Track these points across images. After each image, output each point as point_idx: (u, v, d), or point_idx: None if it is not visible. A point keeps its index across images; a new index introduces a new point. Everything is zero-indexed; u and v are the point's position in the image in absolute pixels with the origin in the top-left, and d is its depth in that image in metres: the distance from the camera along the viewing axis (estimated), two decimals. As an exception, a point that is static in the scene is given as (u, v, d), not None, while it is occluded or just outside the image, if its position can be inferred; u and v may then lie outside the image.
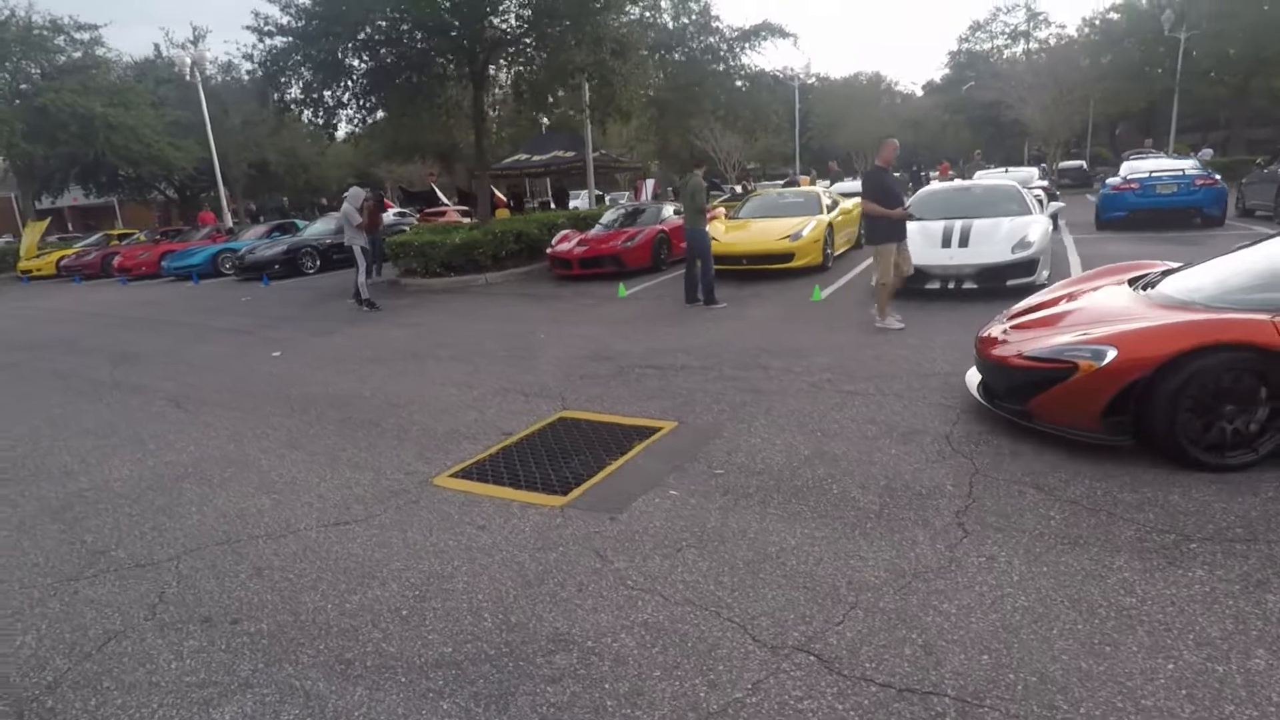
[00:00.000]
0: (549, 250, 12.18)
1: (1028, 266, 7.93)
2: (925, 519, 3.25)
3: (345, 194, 11.00)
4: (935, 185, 11.89)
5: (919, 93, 57.42)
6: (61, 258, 21.24)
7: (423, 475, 4.23)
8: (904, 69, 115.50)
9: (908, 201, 8.37)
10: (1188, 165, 13.75)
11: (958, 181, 14.19)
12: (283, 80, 12.21)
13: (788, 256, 10.01)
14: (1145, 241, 11.53)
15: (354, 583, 3.04)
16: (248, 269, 15.47)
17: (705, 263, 8.84)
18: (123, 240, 22.22)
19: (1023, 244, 7.97)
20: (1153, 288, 4.31)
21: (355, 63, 12.36)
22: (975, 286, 7.94)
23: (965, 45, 51.27)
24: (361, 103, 12.72)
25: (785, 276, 10.29)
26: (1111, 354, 3.47)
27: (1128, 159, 28.60)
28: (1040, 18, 47.47)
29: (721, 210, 13.84)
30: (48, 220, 26.37)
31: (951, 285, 8.04)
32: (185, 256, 17.26)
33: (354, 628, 2.71)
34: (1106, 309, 4.17)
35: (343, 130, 14.46)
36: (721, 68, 19.46)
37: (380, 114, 12.81)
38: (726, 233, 10.68)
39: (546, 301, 10.24)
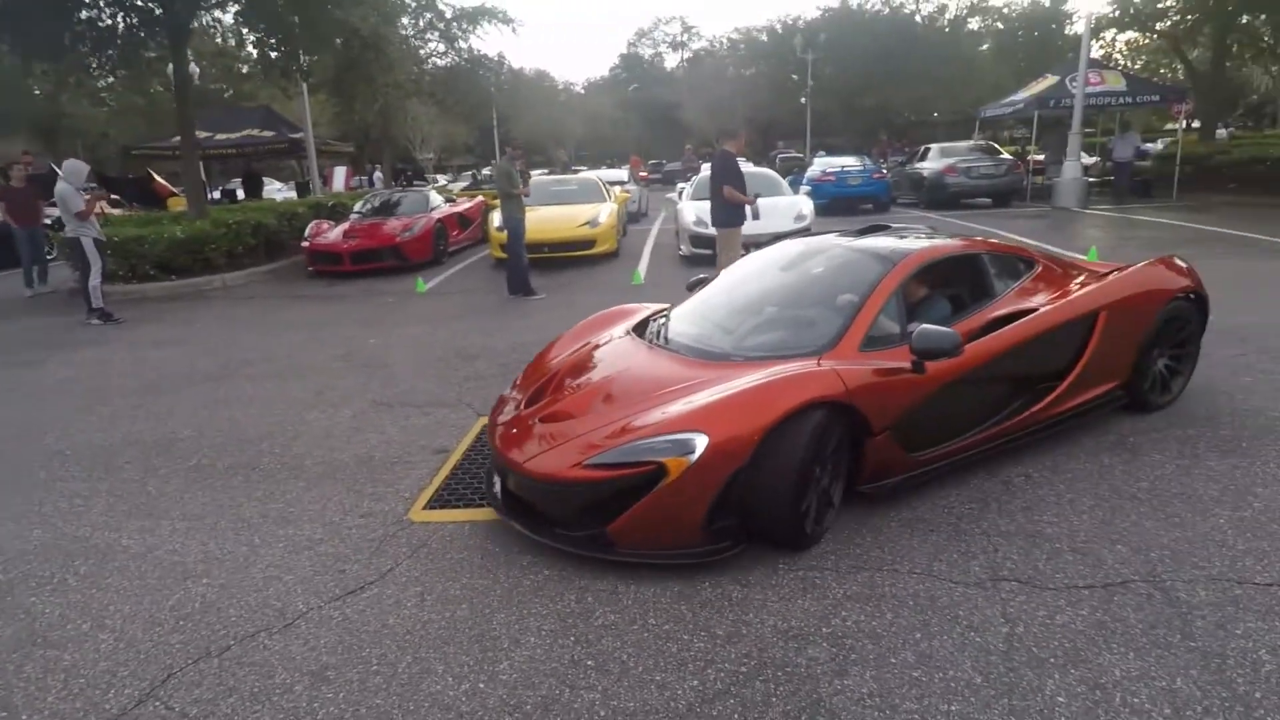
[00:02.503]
0: (307, 244, 10.43)
1: (805, 235, 9.49)
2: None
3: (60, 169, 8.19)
4: (707, 170, 13.03)
5: (581, 90, 61.13)
6: None
7: (390, 514, 3.42)
8: (565, 66, 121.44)
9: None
10: (862, 163, 16.99)
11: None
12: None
13: (589, 243, 10.05)
14: (852, 223, 13.92)
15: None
16: None
17: (517, 251, 8.42)
18: None
19: (800, 216, 9.69)
20: (666, 338, 3.63)
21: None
22: None
23: (633, 49, 55.87)
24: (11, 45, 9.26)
25: (581, 264, 10.29)
26: (702, 442, 2.57)
27: (777, 157, 34.07)
28: (693, 30, 53.83)
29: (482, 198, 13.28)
30: None
31: (748, 252, 9.28)
32: None
33: None
34: (646, 374, 3.27)
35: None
36: (442, 46, 18.44)
37: (39, 66, 9.46)
38: (520, 220, 10.30)
39: (333, 303, 8.78)
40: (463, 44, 18.74)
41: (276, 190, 23.01)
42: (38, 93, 19.96)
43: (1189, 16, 18.97)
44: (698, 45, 53.09)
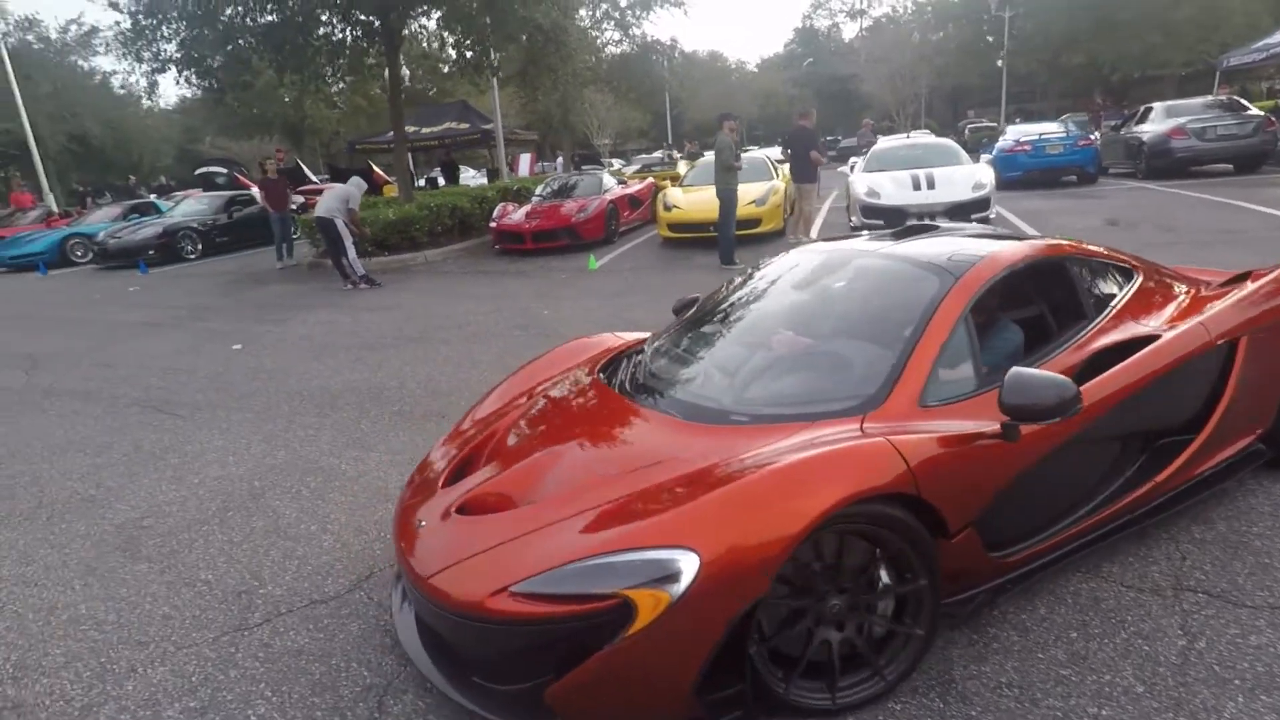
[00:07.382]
0: (493, 224, 11.46)
1: (984, 203, 9.18)
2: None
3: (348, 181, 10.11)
4: (886, 143, 12.61)
5: (754, 69, 59.99)
6: None
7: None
8: (739, 45, 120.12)
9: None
10: (1065, 128, 15.32)
11: (901, 137, 15.49)
12: (160, 34, 10.42)
13: (754, 221, 10.07)
14: (1049, 197, 12.74)
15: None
16: (114, 255, 13.35)
17: (728, 222, 8.90)
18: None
19: (979, 185, 9.17)
20: (641, 384, 2.67)
21: (237, 15, 10.75)
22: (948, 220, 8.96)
23: (808, 21, 53.98)
24: (255, 63, 11.15)
25: (748, 242, 10.30)
26: (690, 565, 1.67)
27: (966, 128, 31.46)
28: (875, -5, 50.93)
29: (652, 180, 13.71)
30: None
31: (927, 220, 8.98)
32: (22, 243, 14.68)
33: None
34: (607, 443, 2.38)
35: (173, 95, 12.79)
36: (617, 34, 19.17)
37: (289, 77, 11.28)
38: (688, 199, 10.58)
39: (513, 278, 9.61)
40: (636, 30, 19.35)
41: (471, 177, 25.18)
42: (286, 100, 23.42)
43: None
44: (879, 12, 50.14)
